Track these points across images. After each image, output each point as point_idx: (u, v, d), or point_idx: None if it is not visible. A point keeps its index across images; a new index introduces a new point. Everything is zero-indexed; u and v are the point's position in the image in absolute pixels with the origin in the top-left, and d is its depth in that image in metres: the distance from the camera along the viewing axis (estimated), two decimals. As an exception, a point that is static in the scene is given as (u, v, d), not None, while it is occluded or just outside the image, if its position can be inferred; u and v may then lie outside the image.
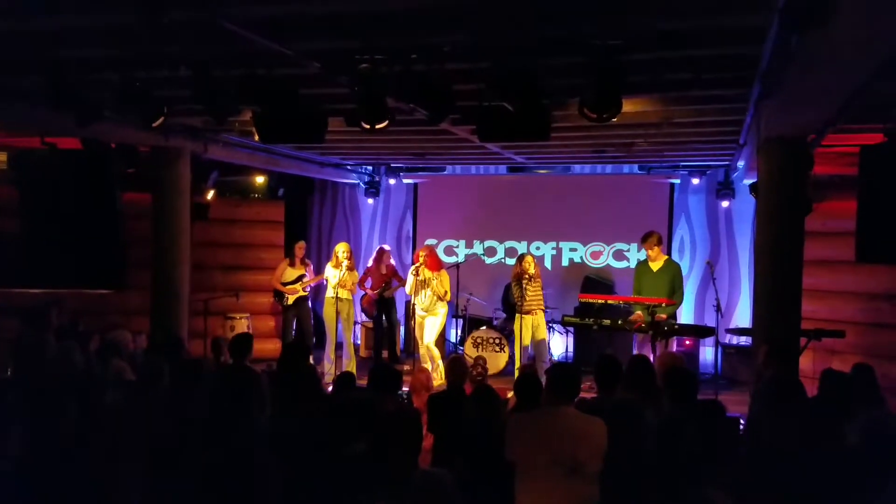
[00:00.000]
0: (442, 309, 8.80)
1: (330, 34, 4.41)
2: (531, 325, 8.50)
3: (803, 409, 4.39)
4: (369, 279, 9.70)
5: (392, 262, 9.89)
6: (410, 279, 8.77)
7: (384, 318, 9.88)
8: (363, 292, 9.76)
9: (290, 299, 9.47)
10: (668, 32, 4.27)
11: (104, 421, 4.57)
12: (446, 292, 8.71)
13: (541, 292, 8.62)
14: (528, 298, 8.46)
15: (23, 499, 4.08)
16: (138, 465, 4.21)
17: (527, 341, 8.52)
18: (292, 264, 9.51)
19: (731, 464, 4.10)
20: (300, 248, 9.66)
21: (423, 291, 8.70)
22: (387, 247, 10.12)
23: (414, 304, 8.93)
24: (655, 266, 8.20)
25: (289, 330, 9.58)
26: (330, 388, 7.82)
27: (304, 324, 9.63)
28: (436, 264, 8.78)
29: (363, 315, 10.19)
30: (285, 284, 9.42)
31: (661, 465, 4.02)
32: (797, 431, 4.08)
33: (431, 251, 9.00)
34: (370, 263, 9.90)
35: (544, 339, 8.74)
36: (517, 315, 8.54)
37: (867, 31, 3.50)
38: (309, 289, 9.57)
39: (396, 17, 4.12)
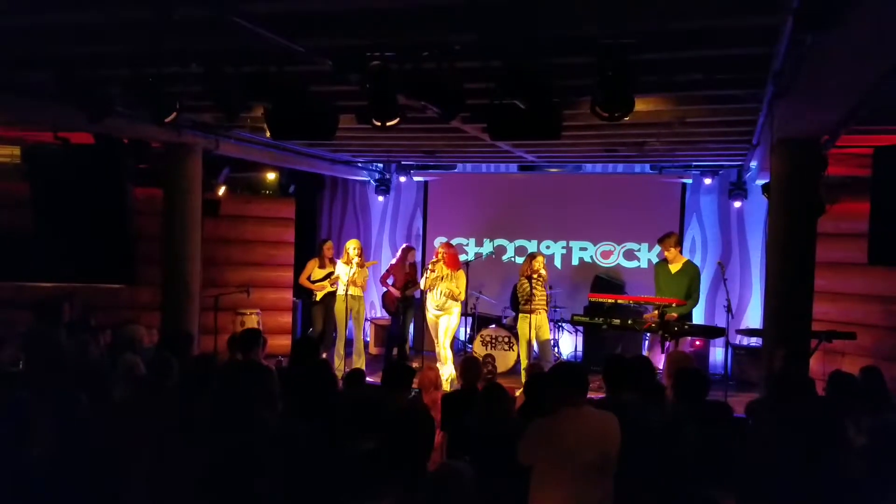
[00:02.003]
0: (456, 308, 8.73)
1: (341, 31, 4.41)
2: (534, 325, 8.49)
3: (811, 408, 4.38)
4: (391, 276, 9.70)
5: (415, 260, 9.88)
6: (426, 274, 8.72)
7: (402, 316, 9.89)
8: (385, 289, 9.76)
9: (319, 295, 9.46)
10: (680, 32, 4.25)
11: (114, 416, 4.59)
12: (460, 292, 8.67)
13: (545, 292, 8.60)
14: (536, 298, 8.46)
15: (31, 492, 4.10)
16: (147, 459, 4.23)
17: (533, 340, 8.55)
18: (321, 265, 9.47)
19: (737, 464, 4.08)
20: (329, 248, 9.60)
21: (439, 288, 8.61)
22: (410, 245, 10.10)
23: (426, 301, 8.87)
24: (674, 268, 8.16)
25: (316, 324, 9.55)
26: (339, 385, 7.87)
27: (330, 319, 9.57)
28: (454, 262, 8.68)
29: (384, 311, 10.19)
30: (314, 282, 9.44)
31: (665, 465, 4.01)
32: (803, 429, 4.07)
33: (451, 248, 8.89)
34: (394, 261, 9.91)
35: (548, 339, 8.72)
36: (520, 314, 8.55)
37: (881, 31, 3.48)
38: (337, 285, 9.58)
39: (407, 15, 4.12)
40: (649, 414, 4.47)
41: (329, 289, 9.43)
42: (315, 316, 9.57)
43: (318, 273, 9.45)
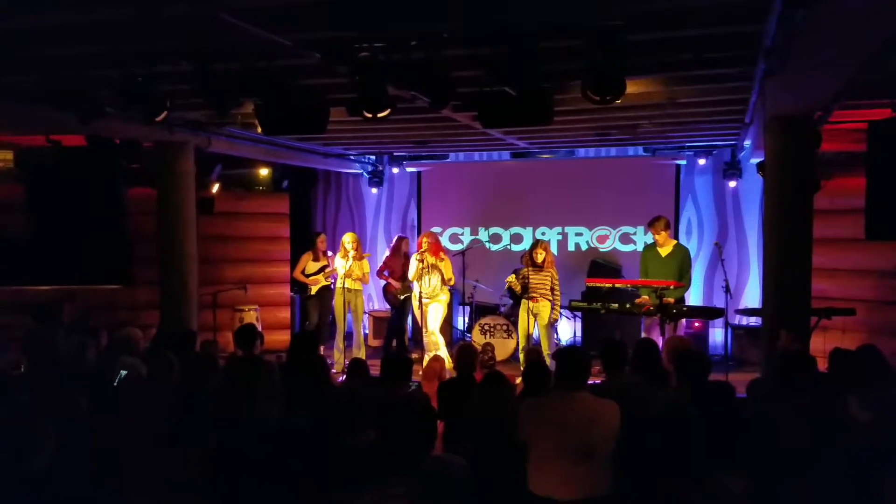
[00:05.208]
0: (444, 295, 8.90)
1: (328, 23, 4.39)
2: (530, 312, 8.48)
3: (813, 386, 4.39)
4: (388, 269, 9.73)
5: (408, 250, 9.91)
6: (414, 265, 8.83)
7: (401, 307, 9.92)
8: (384, 282, 9.80)
9: (314, 289, 9.53)
10: (668, 11, 4.23)
11: (114, 416, 4.59)
12: (450, 278, 8.88)
13: (548, 281, 8.59)
14: (532, 285, 8.47)
15: (32, 494, 4.10)
16: (149, 457, 4.22)
17: (530, 328, 8.57)
18: (315, 258, 9.57)
19: (742, 445, 4.08)
20: (322, 241, 9.71)
21: (428, 277, 8.78)
22: (403, 235, 10.15)
23: (421, 292, 8.92)
24: (664, 251, 8.15)
25: (311, 318, 9.62)
26: (341, 378, 7.88)
27: (325, 313, 9.66)
28: (440, 250, 8.86)
29: (384, 304, 10.22)
30: (308, 276, 9.48)
31: (669, 448, 4.01)
32: (806, 407, 4.07)
33: (434, 237, 9.06)
34: (388, 252, 9.93)
35: (547, 326, 8.71)
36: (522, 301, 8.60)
37: (873, 4, 3.46)
38: (332, 278, 9.60)
39: (394, 5, 4.10)
40: (652, 396, 4.47)
41: (324, 282, 9.47)
42: (310, 310, 9.62)
43: (312, 266, 9.50)
